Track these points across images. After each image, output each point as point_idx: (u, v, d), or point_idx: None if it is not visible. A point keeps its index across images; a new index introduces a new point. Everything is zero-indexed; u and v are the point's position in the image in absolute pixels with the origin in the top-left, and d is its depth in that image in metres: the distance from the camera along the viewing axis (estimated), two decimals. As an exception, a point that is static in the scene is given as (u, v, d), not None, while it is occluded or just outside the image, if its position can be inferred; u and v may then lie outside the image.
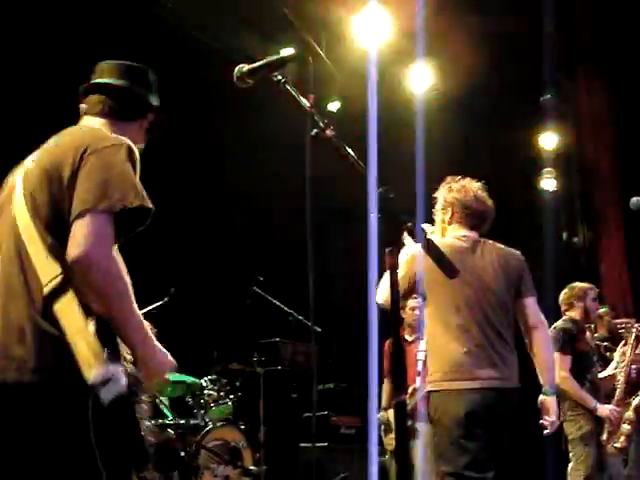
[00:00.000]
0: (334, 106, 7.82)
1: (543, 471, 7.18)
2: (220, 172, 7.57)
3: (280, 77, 2.11)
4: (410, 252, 3.62)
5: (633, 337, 5.82)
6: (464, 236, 3.86)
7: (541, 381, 3.85)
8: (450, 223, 3.92)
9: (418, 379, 5.62)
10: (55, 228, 2.08)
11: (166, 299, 5.82)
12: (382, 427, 6.15)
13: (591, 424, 5.31)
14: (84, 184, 2.09)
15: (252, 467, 6.14)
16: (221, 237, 7.66)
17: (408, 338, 6.36)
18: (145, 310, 5.71)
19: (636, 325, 5.98)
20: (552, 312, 5.80)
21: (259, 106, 6.18)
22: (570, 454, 5.34)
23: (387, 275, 3.79)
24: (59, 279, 2.01)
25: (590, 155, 8.94)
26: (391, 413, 6.09)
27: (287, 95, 2.12)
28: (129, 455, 2.03)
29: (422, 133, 8.33)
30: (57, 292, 2.00)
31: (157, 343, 2.17)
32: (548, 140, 8.73)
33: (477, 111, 8.82)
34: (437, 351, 3.71)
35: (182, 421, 6.02)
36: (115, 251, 2.13)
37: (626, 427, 5.47)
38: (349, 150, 1.94)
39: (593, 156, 8.92)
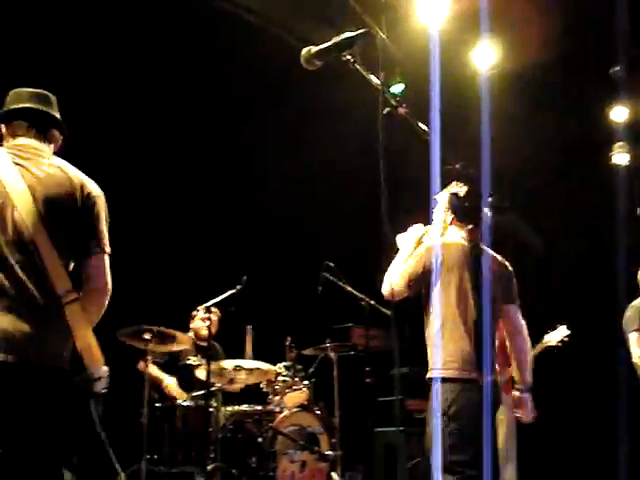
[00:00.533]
0: (398, 88, 7.73)
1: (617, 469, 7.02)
2: (289, 156, 7.60)
3: (349, 57, 2.09)
4: (428, 244, 3.82)
5: None
6: (464, 237, 3.89)
7: (516, 378, 4.11)
8: (451, 223, 3.93)
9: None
10: (63, 248, 2.65)
11: (239, 287, 5.86)
12: None
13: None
14: (99, 226, 2.78)
15: (328, 452, 6.17)
16: (291, 223, 7.69)
17: None
18: (219, 299, 5.78)
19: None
20: (623, 290, 5.67)
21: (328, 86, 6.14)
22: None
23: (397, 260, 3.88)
24: (74, 294, 2.60)
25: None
26: None
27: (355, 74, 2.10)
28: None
29: (488, 112, 8.20)
30: (70, 303, 2.57)
31: None
32: (619, 113, 8.47)
33: (545, 87, 8.62)
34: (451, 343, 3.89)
35: (258, 407, 6.09)
36: None
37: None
38: (423, 126, 1.91)
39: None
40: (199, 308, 6.61)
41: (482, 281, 3.72)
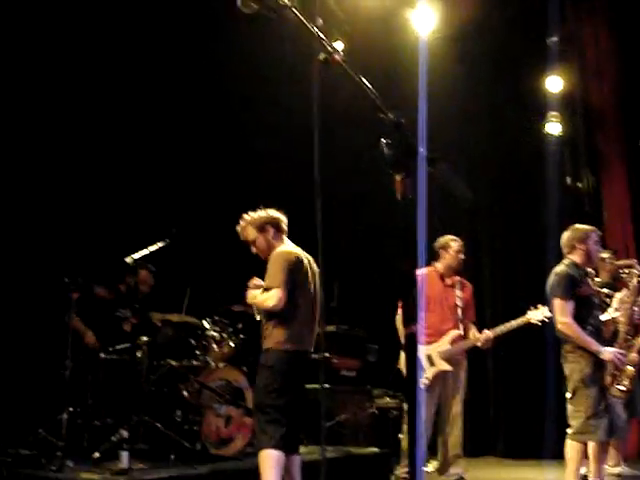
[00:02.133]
0: (338, 46, 7.66)
1: (544, 414, 7.27)
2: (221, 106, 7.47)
3: (287, 1, 2.03)
4: None
5: (636, 279, 5.80)
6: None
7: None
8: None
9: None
10: None
11: (168, 240, 5.77)
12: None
13: (592, 367, 5.32)
14: None
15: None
16: (224, 176, 7.58)
17: (448, 281, 6.38)
18: (147, 251, 5.68)
19: (638, 267, 5.95)
20: (555, 257, 5.79)
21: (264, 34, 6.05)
22: (568, 396, 5.37)
23: None
24: None
25: (595, 97, 8.81)
26: (420, 348, 6.10)
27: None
28: None
29: (425, 75, 8.20)
30: None
31: None
32: (553, 83, 8.59)
33: (481, 54, 8.68)
34: None
35: (185, 361, 6.05)
36: None
37: (630, 369, 5.48)
38: (361, 77, 1.88)
39: (598, 98, 8.79)
40: (127, 260, 6.47)
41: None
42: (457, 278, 6.46)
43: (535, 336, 7.64)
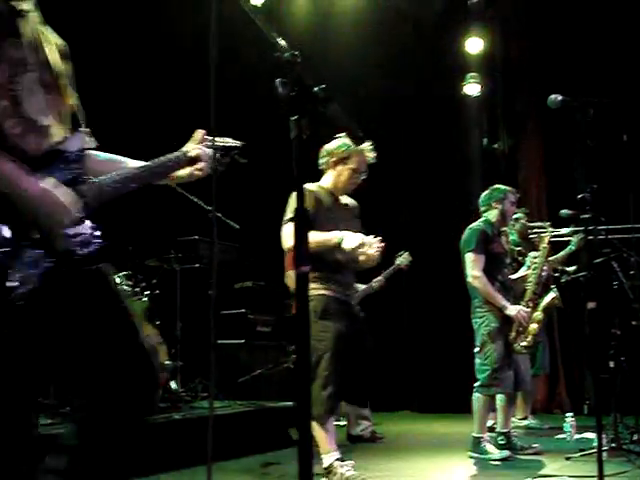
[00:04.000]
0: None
1: (457, 367, 7.44)
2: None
3: None
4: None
5: (546, 241, 5.95)
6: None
7: None
8: None
9: None
10: None
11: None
12: None
13: (499, 322, 5.46)
14: None
15: (167, 362, 6.15)
16: (139, 126, 7.36)
17: None
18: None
19: (549, 229, 6.12)
20: (474, 216, 5.89)
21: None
22: (476, 350, 5.51)
23: None
24: None
25: (513, 59, 8.91)
26: None
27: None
28: None
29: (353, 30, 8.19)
30: None
31: (28, 182, 2.00)
32: (473, 44, 8.64)
33: (403, 13, 8.65)
34: None
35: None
36: None
37: (534, 326, 5.65)
38: (257, 14, 1.84)
39: (516, 60, 8.90)
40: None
41: None
42: None
43: (445, 291, 7.84)
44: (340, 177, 4.51)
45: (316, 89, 1.65)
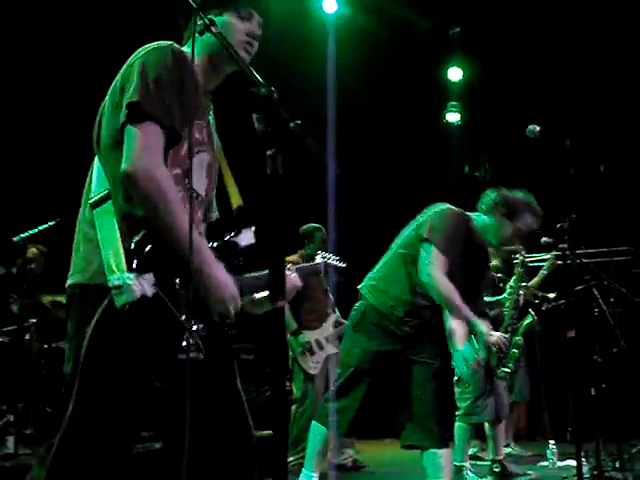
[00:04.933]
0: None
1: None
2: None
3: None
4: None
5: (520, 265, 5.97)
6: None
7: None
8: None
9: None
10: None
11: (59, 219, 5.59)
12: (299, 350, 6.15)
13: (479, 349, 5.47)
14: None
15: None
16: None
17: None
18: (36, 230, 5.50)
19: (523, 253, 6.13)
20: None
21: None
22: (455, 379, 5.50)
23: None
24: (104, 192, 2.12)
25: (493, 88, 9.02)
26: (309, 334, 6.14)
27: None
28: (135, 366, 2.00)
29: (334, 60, 8.26)
30: (98, 203, 2.11)
31: (218, 266, 2.13)
32: (454, 73, 8.76)
33: (385, 41, 8.75)
34: None
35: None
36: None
37: (515, 352, 5.66)
38: (235, 50, 1.87)
39: (496, 89, 9.00)
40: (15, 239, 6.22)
41: None
42: None
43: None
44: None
45: (292, 124, 1.67)
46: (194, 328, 2.02)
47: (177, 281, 2.02)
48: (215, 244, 2.23)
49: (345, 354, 4.06)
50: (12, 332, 5.67)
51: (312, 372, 6.14)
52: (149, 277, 1.96)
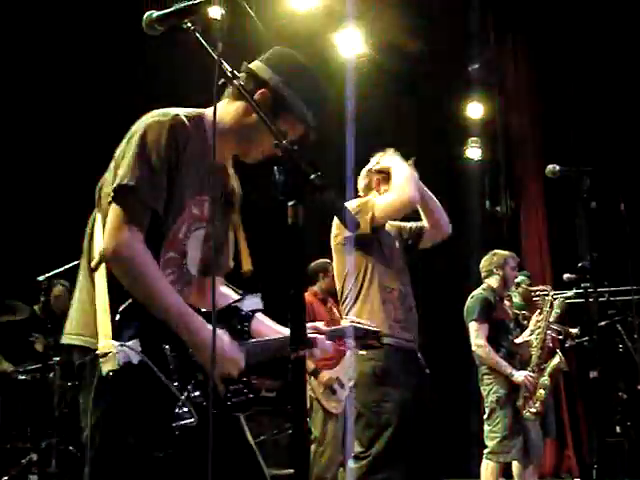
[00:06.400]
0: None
1: (467, 434, 7.36)
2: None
3: (190, 24, 2.03)
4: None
5: (548, 304, 5.95)
6: None
7: None
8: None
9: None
10: None
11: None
12: (322, 390, 6.05)
13: (506, 389, 5.46)
14: None
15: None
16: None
17: (329, 304, 6.35)
18: (62, 269, 5.54)
19: (552, 293, 6.12)
20: (475, 280, 5.91)
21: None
22: (486, 417, 5.48)
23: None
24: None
25: (514, 125, 9.06)
26: (325, 375, 6.04)
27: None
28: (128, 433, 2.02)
29: (353, 99, 8.32)
30: (96, 267, 2.16)
31: (205, 331, 2.10)
32: (474, 109, 8.80)
33: (405, 79, 8.82)
34: None
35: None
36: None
37: (541, 392, 5.62)
38: (257, 104, 1.92)
39: (517, 126, 9.04)
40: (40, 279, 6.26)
41: None
42: (332, 299, 6.33)
43: (449, 357, 7.79)
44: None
45: (313, 176, 1.71)
46: (185, 394, 2.03)
47: (167, 347, 2.05)
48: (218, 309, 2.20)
49: (372, 414, 3.58)
50: (36, 370, 5.71)
51: (335, 411, 6.07)
52: (134, 344, 1.98)
